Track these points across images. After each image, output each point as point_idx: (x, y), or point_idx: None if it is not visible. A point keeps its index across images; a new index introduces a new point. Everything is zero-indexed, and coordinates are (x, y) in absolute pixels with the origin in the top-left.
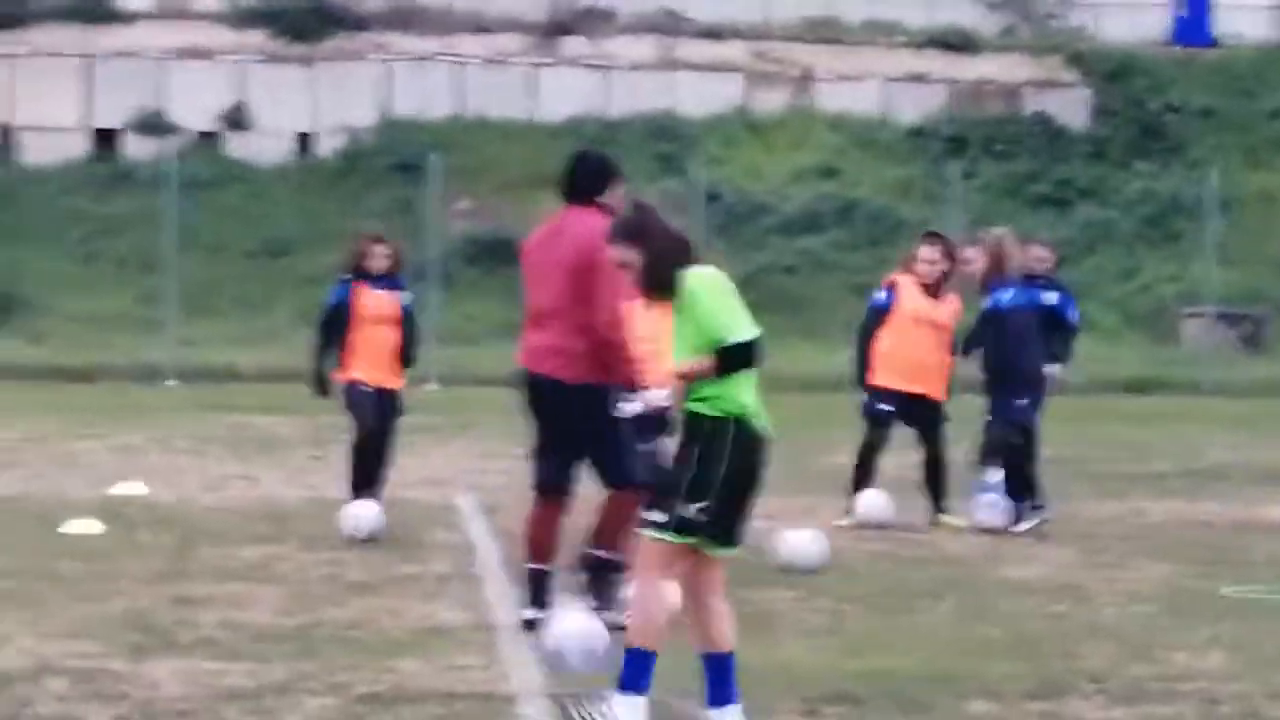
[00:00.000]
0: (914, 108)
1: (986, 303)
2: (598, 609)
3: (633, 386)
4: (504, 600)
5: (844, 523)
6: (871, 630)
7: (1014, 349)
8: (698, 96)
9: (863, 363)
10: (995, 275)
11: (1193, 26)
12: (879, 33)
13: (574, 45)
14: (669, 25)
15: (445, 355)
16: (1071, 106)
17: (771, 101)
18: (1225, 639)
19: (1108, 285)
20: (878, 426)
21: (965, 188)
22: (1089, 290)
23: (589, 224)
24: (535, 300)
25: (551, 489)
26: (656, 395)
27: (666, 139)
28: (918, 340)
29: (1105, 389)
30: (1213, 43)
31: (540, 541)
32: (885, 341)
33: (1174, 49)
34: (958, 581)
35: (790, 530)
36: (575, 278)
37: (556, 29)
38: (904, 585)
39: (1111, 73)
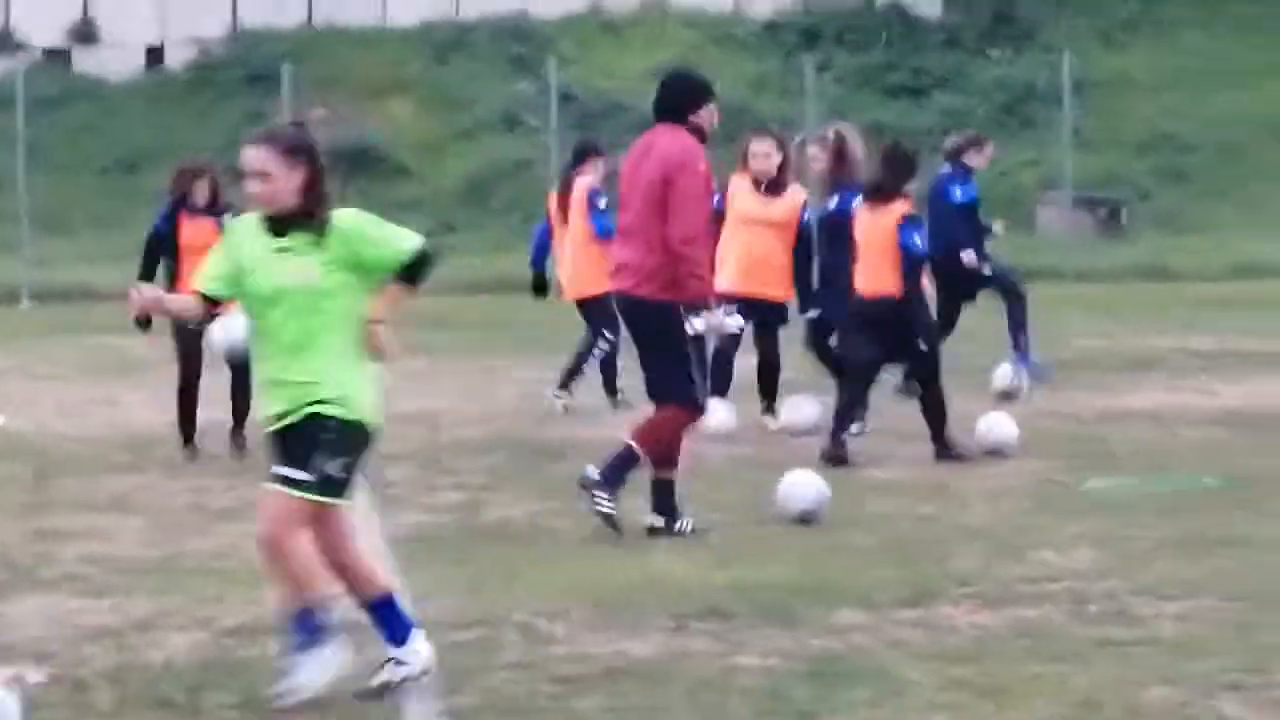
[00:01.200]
0: (767, 2)
1: (831, 204)
2: (662, 528)
3: (704, 304)
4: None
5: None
6: (740, 540)
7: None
8: None
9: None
10: (840, 173)
11: None
12: None
13: None
14: None
15: None
16: None
17: (624, 0)
18: (1092, 535)
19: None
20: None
21: (820, 80)
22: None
23: (676, 142)
24: (622, 217)
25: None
26: (722, 320)
27: (519, 41)
28: (751, 241)
29: None
30: None
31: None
32: (721, 245)
33: None
34: (831, 486)
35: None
36: (655, 193)
37: None
38: (770, 491)
39: None
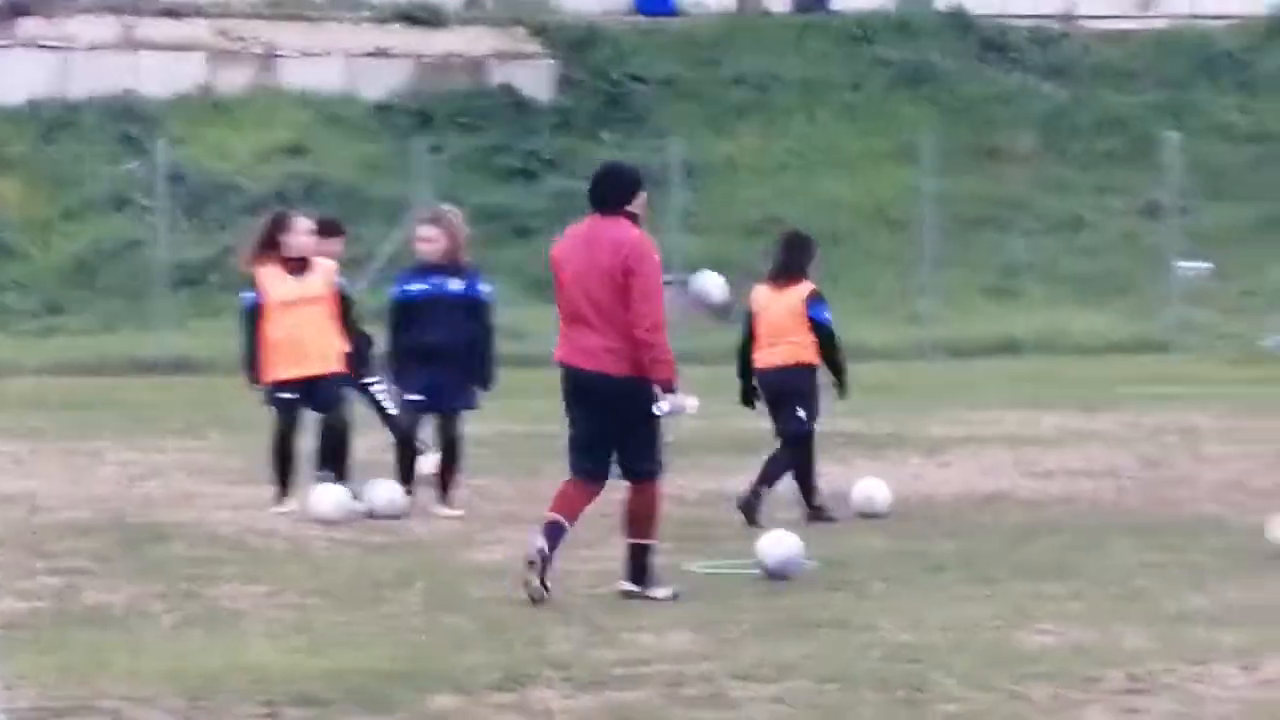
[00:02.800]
0: (380, 83)
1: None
2: (639, 592)
3: (671, 387)
4: None
5: (284, 510)
6: (339, 625)
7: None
8: (160, 76)
9: (251, 359)
10: (456, 253)
11: None
12: (343, 8)
13: (31, 27)
14: (128, 5)
15: None
16: (537, 78)
17: (236, 79)
18: (691, 617)
19: None
20: (284, 412)
21: (433, 162)
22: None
23: (629, 231)
24: (574, 302)
25: (587, 475)
26: (683, 401)
27: (128, 120)
28: (297, 323)
29: None
30: (674, 12)
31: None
32: (268, 333)
33: (637, 19)
34: (426, 568)
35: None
36: (617, 280)
37: (12, 10)
38: (371, 574)
39: (575, 44)
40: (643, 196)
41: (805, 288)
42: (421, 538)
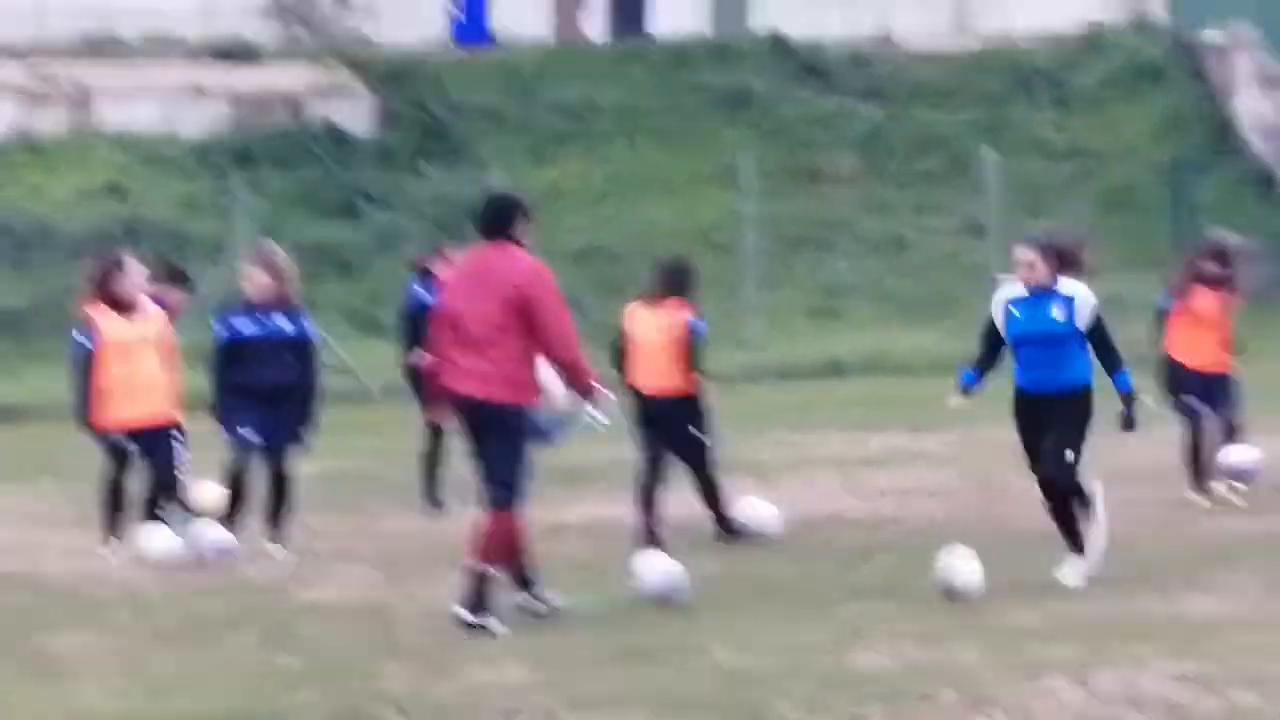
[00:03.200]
0: (198, 122)
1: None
2: (474, 622)
3: (594, 398)
4: None
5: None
6: (172, 668)
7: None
8: None
9: (83, 403)
10: (283, 292)
11: (471, 27)
12: (158, 47)
13: None
14: None
15: None
16: (356, 113)
17: (51, 122)
18: (526, 650)
19: (401, 291)
20: (115, 455)
21: (254, 200)
22: (389, 295)
23: (521, 259)
24: (459, 330)
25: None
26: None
27: None
28: (130, 366)
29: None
30: (491, 42)
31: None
32: (101, 376)
33: (454, 50)
34: (258, 608)
35: None
36: (511, 307)
37: None
38: (203, 616)
39: (393, 77)
40: (530, 225)
41: (686, 308)
42: (253, 578)
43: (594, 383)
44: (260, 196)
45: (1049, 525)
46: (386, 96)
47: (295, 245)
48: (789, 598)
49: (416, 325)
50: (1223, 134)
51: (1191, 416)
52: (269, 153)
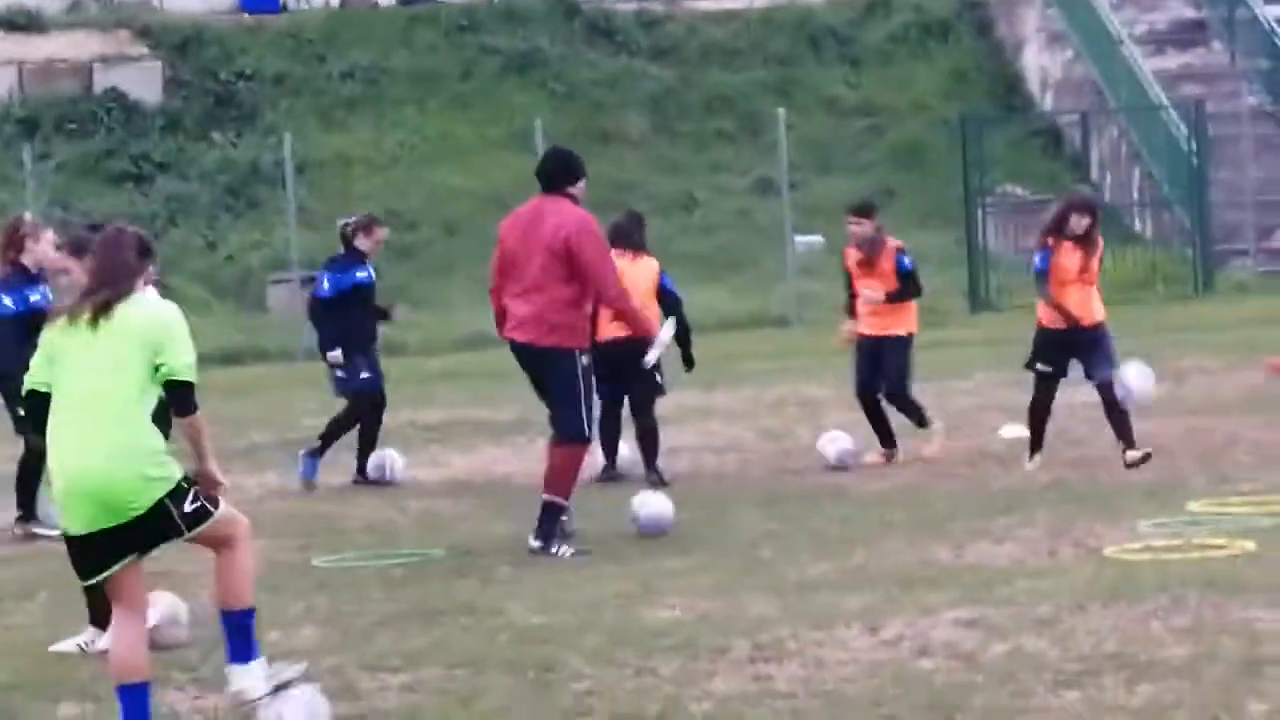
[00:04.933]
0: None
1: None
2: (548, 550)
3: (648, 339)
4: None
5: None
6: None
7: None
8: None
9: None
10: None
11: None
12: None
13: None
14: None
15: None
16: (144, 81)
17: None
18: (319, 612)
19: (192, 258)
20: None
21: (41, 169)
22: (173, 264)
23: (573, 211)
24: (512, 276)
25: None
26: (662, 334)
27: None
28: None
29: (203, 362)
30: (281, 8)
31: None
32: None
33: (242, 17)
34: (50, 578)
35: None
36: (558, 257)
37: None
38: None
39: (181, 44)
40: (583, 183)
41: (652, 260)
42: (46, 548)
43: (645, 328)
44: (48, 166)
45: (838, 479)
46: (175, 64)
47: (86, 214)
48: (582, 556)
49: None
50: (1010, 90)
51: (1048, 381)
52: (57, 122)
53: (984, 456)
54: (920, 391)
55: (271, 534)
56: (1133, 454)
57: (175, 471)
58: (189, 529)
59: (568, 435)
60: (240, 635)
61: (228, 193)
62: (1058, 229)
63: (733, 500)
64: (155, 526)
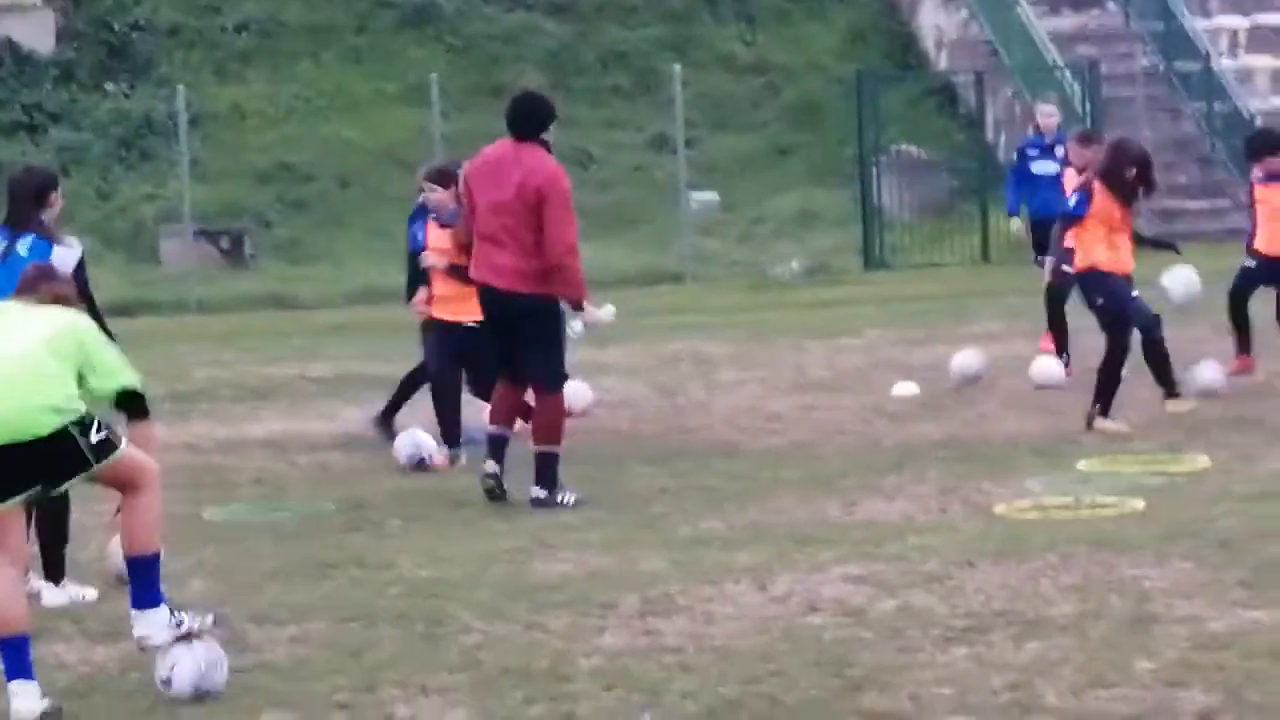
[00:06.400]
0: None
1: None
2: (550, 498)
3: (578, 306)
4: None
5: None
6: None
7: None
8: None
9: None
10: None
11: None
12: None
13: None
14: None
15: None
16: (37, 30)
17: None
18: (208, 565)
19: (84, 209)
20: None
21: None
22: (66, 215)
23: (544, 160)
24: (485, 223)
25: (511, 379)
26: (597, 314)
27: None
28: None
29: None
30: None
31: (501, 409)
32: None
33: None
34: None
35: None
36: (529, 204)
37: None
38: None
39: None
40: (552, 127)
41: None
42: None
43: (578, 293)
44: None
45: (731, 434)
46: (68, 14)
47: None
48: (474, 509)
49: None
50: (905, 48)
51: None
52: None
53: (876, 414)
54: (811, 349)
55: (162, 486)
56: (1174, 405)
57: (84, 409)
58: (96, 460)
59: (549, 384)
60: (143, 581)
61: (121, 144)
62: (1107, 175)
63: (626, 457)
64: (61, 456)
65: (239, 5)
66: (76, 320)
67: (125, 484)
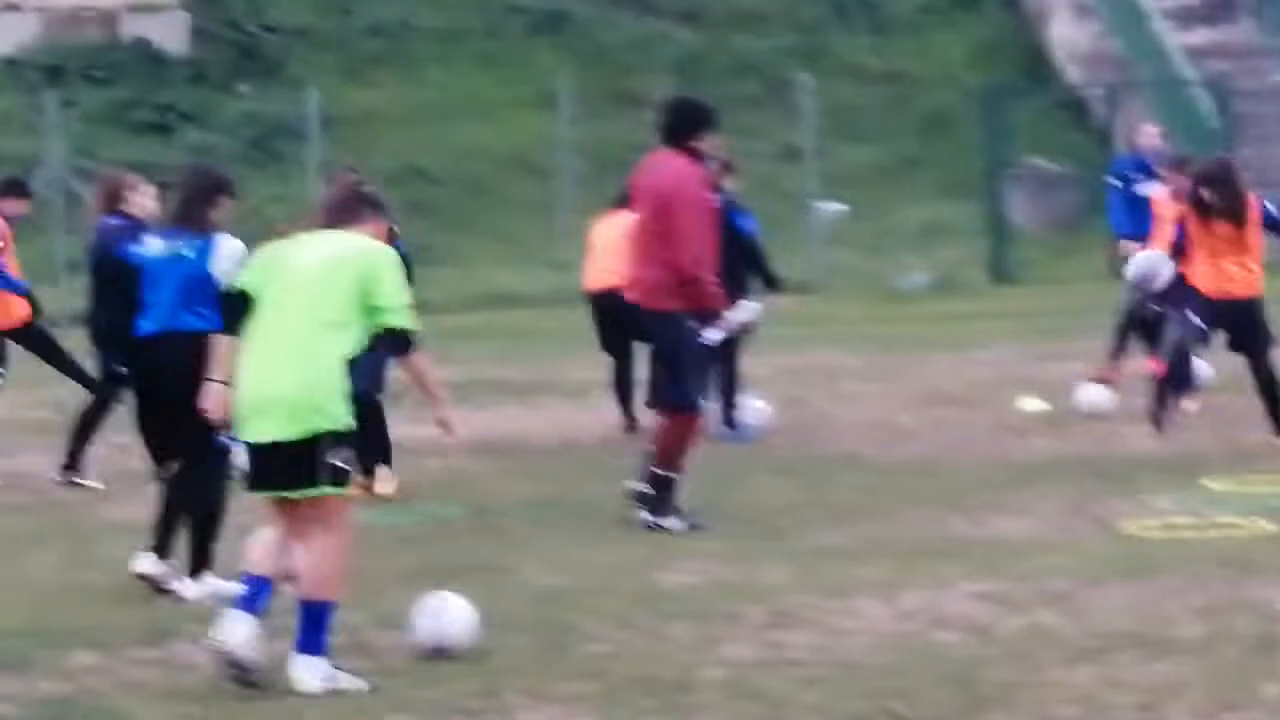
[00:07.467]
0: (9, 37)
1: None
2: (654, 523)
3: (714, 315)
4: None
5: None
6: None
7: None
8: None
9: None
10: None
11: None
12: None
13: None
14: None
15: None
16: (170, 30)
17: None
18: None
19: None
20: None
21: (65, 118)
22: None
23: (673, 167)
24: (633, 234)
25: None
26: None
27: None
28: None
29: None
30: None
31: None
32: None
33: None
34: (63, 527)
35: None
36: (657, 214)
37: None
38: (7, 534)
39: None
40: (710, 135)
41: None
42: (60, 498)
43: (710, 304)
44: (72, 114)
45: (857, 446)
46: (201, 15)
47: (108, 163)
48: (601, 518)
49: None
50: (1036, 62)
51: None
52: (82, 69)
53: (1003, 429)
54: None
55: None
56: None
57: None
58: (322, 483)
59: (675, 404)
60: (314, 626)
61: (252, 145)
62: (1190, 201)
63: (752, 467)
64: (302, 461)
65: (370, 8)
66: None
67: (320, 520)
